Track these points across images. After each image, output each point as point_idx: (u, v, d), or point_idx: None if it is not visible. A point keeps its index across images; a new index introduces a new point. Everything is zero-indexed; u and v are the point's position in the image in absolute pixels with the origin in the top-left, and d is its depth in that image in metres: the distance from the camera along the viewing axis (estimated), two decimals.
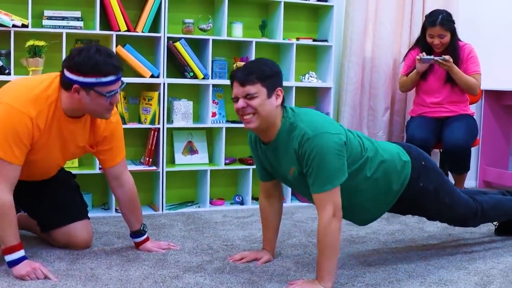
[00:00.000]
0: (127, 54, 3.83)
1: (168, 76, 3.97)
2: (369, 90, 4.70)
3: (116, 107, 2.91)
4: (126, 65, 3.89)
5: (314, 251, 3.06)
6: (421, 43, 4.22)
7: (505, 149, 5.23)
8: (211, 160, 4.24)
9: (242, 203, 4.23)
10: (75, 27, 3.71)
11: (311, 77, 4.36)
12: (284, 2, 4.18)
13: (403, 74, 4.32)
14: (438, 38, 4.08)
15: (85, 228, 3.02)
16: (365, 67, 4.68)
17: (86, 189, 3.70)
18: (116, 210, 3.83)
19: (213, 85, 4.10)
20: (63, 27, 3.69)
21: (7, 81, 3.49)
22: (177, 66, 4.02)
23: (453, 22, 4.12)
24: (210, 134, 4.25)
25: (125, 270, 2.71)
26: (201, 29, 4.05)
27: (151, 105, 3.91)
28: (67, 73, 2.57)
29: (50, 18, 3.69)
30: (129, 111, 3.97)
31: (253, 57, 4.09)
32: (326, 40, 4.38)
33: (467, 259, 3.04)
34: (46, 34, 3.70)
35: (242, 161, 4.25)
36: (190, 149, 4.17)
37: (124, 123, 3.85)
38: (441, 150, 4.20)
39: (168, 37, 3.91)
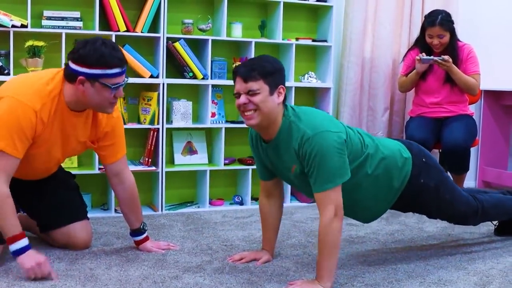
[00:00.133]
0: (127, 55, 3.82)
1: (167, 76, 3.97)
2: (368, 90, 4.71)
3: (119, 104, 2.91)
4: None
5: (314, 251, 3.06)
6: (420, 43, 4.22)
7: (504, 149, 5.23)
8: (211, 160, 4.24)
9: (241, 203, 4.23)
10: (75, 27, 3.71)
11: (310, 77, 4.36)
12: (284, 2, 4.18)
13: (402, 74, 4.32)
14: (438, 38, 4.08)
15: (84, 228, 3.02)
16: (365, 67, 4.68)
17: (85, 190, 3.70)
18: (115, 210, 3.83)
19: (213, 86, 4.10)
20: (63, 27, 3.69)
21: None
22: (176, 67, 4.02)
23: (452, 22, 4.12)
24: (210, 134, 4.25)
25: (124, 271, 2.71)
26: (200, 29, 4.05)
27: (150, 105, 3.91)
28: (72, 65, 2.58)
29: (49, 18, 3.69)
30: (128, 111, 3.97)
31: (252, 57, 4.09)
32: (325, 41, 4.39)
33: (466, 259, 3.04)
34: (46, 35, 3.70)
35: (241, 161, 4.25)
36: (190, 149, 4.17)
37: (124, 123, 3.82)
38: (440, 150, 4.20)
39: (167, 38, 3.91)
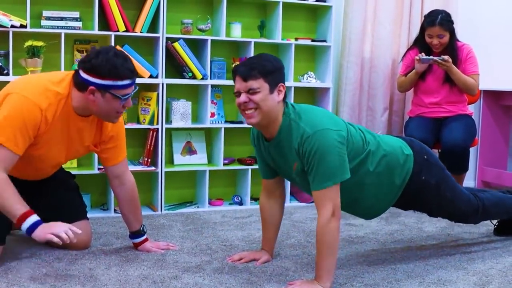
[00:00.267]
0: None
1: (166, 77, 3.97)
2: (367, 90, 4.71)
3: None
4: None
5: (313, 251, 3.06)
6: (420, 43, 4.22)
7: (504, 149, 5.23)
8: (210, 160, 4.24)
9: (241, 203, 4.23)
10: (74, 28, 3.71)
11: (309, 77, 4.36)
12: (283, 3, 4.18)
13: (401, 74, 4.32)
14: (437, 38, 4.08)
15: (84, 228, 3.01)
16: (364, 67, 4.68)
17: (85, 190, 3.70)
18: (115, 210, 3.83)
19: (212, 86, 4.11)
20: (62, 27, 3.69)
21: (6, 82, 3.50)
22: (175, 67, 4.02)
23: (452, 22, 4.12)
24: (209, 135, 4.25)
25: (124, 271, 2.71)
26: (199, 30, 4.05)
27: (149, 105, 3.91)
28: (83, 74, 2.59)
29: (48, 18, 3.68)
30: (127, 112, 3.96)
31: (252, 56, 4.09)
32: (324, 41, 4.39)
33: (466, 259, 3.04)
34: (45, 35, 3.70)
35: (241, 161, 4.25)
36: (189, 150, 4.17)
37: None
38: (439, 150, 4.20)
39: (166, 38, 3.91)
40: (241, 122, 4.21)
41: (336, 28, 4.51)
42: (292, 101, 4.20)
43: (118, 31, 3.76)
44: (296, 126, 2.51)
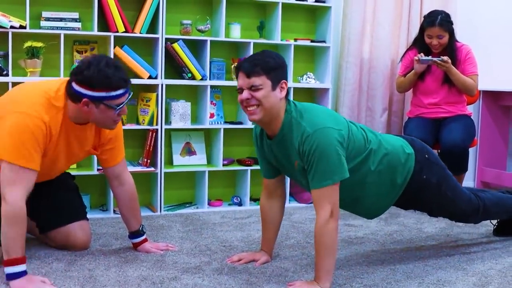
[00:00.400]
0: (125, 55, 3.83)
1: (166, 77, 3.97)
2: (367, 91, 4.71)
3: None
4: (124, 67, 3.88)
5: (312, 252, 3.06)
6: (419, 44, 4.22)
7: (503, 150, 5.23)
8: (209, 161, 4.24)
9: (240, 204, 4.23)
10: (73, 28, 3.71)
11: (309, 78, 4.36)
12: (282, 3, 4.18)
13: (400, 75, 4.32)
14: (437, 39, 4.08)
15: (83, 228, 3.02)
16: (363, 68, 4.68)
17: (84, 190, 3.70)
18: (114, 211, 3.83)
19: (211, 86, 4.11)
20: (61, 28, 3.69)
21: (5, 82, 3.51)
22: (175, 67, 4.02)
23: (452, 23, 4.12)
24: (208, 135, 4.25)
25: (123, 271, 2.71)
26: (199, 30, 4.05)
27: (149, 106, 3.91)
28: (76, 87, 2.58)
29: (48, 19, 3.68)
30: (127, 112, 3.96)
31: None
32: (324, 41, 4.39)
33: (465, 259, 3.04)
34: (44, 35, 3.70)
35: (240, 162, 4.25)
36: (188, 150, 4.17)
37: (122, 124, 3.84)
38: (439, 150, 4.20)
39: (166, 38, 3.91)
40: (240, 123, 4.21)
41: (335, 28, 4.51)
42: None
43: (117, 32, 3.76)
44: (297, 125, 2.52)
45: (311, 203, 4.14)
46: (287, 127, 2.55)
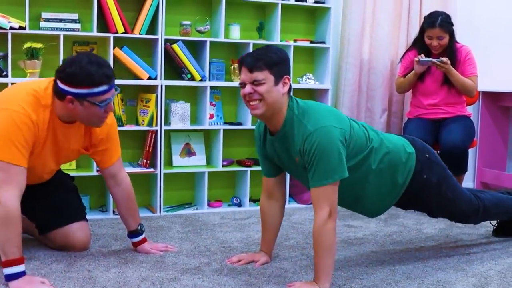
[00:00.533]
0: (125, 56, 3.83)
1: (165, 78, 3.97)
2: (366, 91, 4.71)
3: (114, 112, 2.90)
4: (123, 67, 3.89)
5: (312, 252, 3.05)
6: (419, 44, 4.22)
7: (503, 150, 5.23)
8: (209, 162, 4.24)
9: (239, 205, 4.23)
10: (73, 29, 3.71)
11: (308, 78, 4.36)
12: (281, 4, 4.18)
13: (400, 75, 4.32)
14: (437, 40, 4.08)
15: (82, 229, 3.02)
16: (363, 69, 4.68)
17: (83, 191, 3.70)
18: (113, 212, 3.83)
19: (211, 87, 4.11)
20: (61, 29, 3.69)
21: (4, 83, 3.51)
22: (174, 68, 4.02)
23: (452, 24, 4.11)
24: (208, 136, 4.25)
25: (122, 272, 2.71)
26: (198, 31, 4.05)
27: (148, 107, 3.91)
28: (60, 84, 2.57)
29: (47, 20, 3.68)
30: (126, 113, 3.96)
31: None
32: (323, 42, 4.39)
33: (464, 260, 3.04)
34: (44, 36, 3.70)
35: (239, 163, 4.25)
36: (188, 151, 4.17)
37: (122, 125, 3.85)
38: (438, 151, 4.20)
39: (165, 39, 3.91)
40: (240, 124, 4.21)
41: (334, 29, 4.51)
42: None
43: (117, 32, 3.76)
44: (298, 123, 2.52)
45: (310, 203, 4.13)
46: (288, 124, 2.55)
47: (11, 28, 3.54)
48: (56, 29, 3.68)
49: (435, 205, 2.95)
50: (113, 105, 2.68)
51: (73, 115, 2.65)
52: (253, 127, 4.12)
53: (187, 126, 4.02)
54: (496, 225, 3.51)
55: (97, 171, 3.75)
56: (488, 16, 5.10)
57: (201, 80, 3.99)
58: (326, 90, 4.37)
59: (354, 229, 3.63)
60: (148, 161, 3.92)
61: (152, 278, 2.63)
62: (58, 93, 2.59)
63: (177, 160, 4.13)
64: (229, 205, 4.25)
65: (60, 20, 3.70)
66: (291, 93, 2.65)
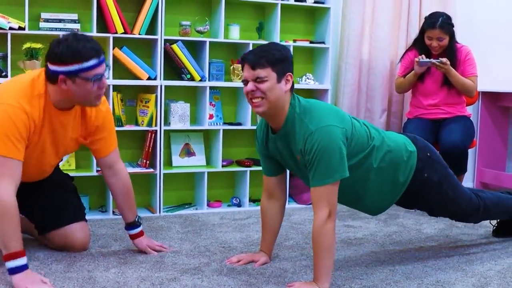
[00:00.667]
0: (124, 57, 3.83)
1: (165, 78, 3.97)
2: (366, 91, 4.71)
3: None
4: (123, 68, 3.89)
5: (312, 253, 3.04)
6: (419, 45, 4.22)
7: (502, 151, 5.23)
8: (208, 162, 4.24)
9: (239, 205, 4.23)
10: (72, 30, 3.70)
11: (308, 79, 4.36)
12: (281, 4, 4.18)
13: (399, 76, 4.32)
14: (437, 41, 4.08)
15: (82, 229, 3.02)
16: (362, 69, 4.69)
17: (83, 192, 3.70)
18: (113, 212, 3.83)
19: (210, 87, 4.11)
20: (60, 29, 3.68)
21: None
22: (174, 68, 4.02)
23: (453, 26, 4.11)
24: (207, 136, 4.25)
25: (122, 273, 2.70)
26: (198, 31, 4.05)
27: (148, 107, 3.91)
28: (50, 66, 2.58)
29: (47, 20, 3.68)
30: (126, 113, 3.96)
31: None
32: (323, 42, 4.39)
33: (464, 260, 3.04)
34: (43, 37, 3.70)
35: (239, 163, 4.25)
36: (187, 151, 4.17)
37: (122, 125, 3.85)
38: (438, 151, 4.20)
39: (165, 39, 3.91)
40: (239, 124, 4.21)
41: (334, 29, 4.51)
42: None
43: (116, 33, 3.76)
44: (300, 121, 2.52)
45: (310, 204, 4.13)
46: (290, 122, 2.55)
47: (10, 28, 3.54)
48: (56, 29, 3.68)
49: (435, 203, 2.95)
50: (106, 82, 2.68)
51: (67, 98, 2.64)
52: (253, 127, 4.12)
53: (187, 126, 4.02)
54: (496, 225, 3.51)
55: (97, 171, 3.75)
56: (487, 16, 5.10)
57: (200, 80, 3.99)
58: (325, 90, 4.37)
59: (354, 229, 3.63)
60: (148, 162, 3.92)
61: (152, 278, 2.63)
62: (50, 77, 2.60)
63: (176, 160, 4.13)
64: (228, 205, 4.25)
65: (60, 21, 3.70)
66: (293, 91, 2.64)
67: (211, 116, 4.15)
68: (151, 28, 3.91)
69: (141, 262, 2.87)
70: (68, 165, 3.78)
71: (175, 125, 3.99)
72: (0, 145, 2.49)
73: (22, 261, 2.47)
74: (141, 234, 3.05)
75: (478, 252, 3.20)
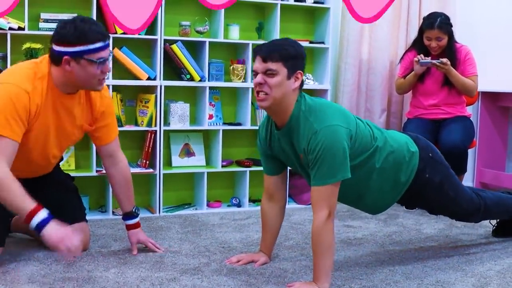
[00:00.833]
0: (124, 57, 3.83)
1: (165, 79, 3.97)
2: (365, 92, 4.71)
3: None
4: (122, 68, 3.89)
5: (311, 253, 3.05)
6: (418, 45, 4.22)
7: (502, 151, 5.23)
8: (208, 162, 4.24)
9: (239, 205, 4.23)
10: None
11: (308, 79, 4.36)
12: (281, 4, 4.18)
13: (399, 76, 4.32)
14: (436, 41, 4.08)
15: (82, 230, 3.02)
16: (362, 69, 4.69)
17: (83, 192, 3.69)
18: (113, 212, 3.83)
19: (210, 88, 4.10)
20: None
21: None
22: (173, 69, 4.02)
23: (451, 26, 4.11)
24: (207, 136, 4.25)
25: (122, 273, 2.70)
26: (197, 32, 4.05)
27: (148, 107, 3.91)
28: (55, 47, 2.60)
29: (46, 20, 3.68)
30: (126, 114, 3.97)
31: (250, 59, 4.09)
32: (322, 42, 4.39)
33: (464, 260, 3.04)
34: (43, 37, 3.69)
35: (239, 163, 4.25)
36: (187, 152, 4.17)
37: (121, 125, 3.85)
38: None
39: (164, 40, 3.91)
40: (239, 124, 4.21)
41: (334, 30, 4.51)
42: None
43: (116, 33, 3.76)
44: (304, 120, 2.51)
45: (310, 204, 4.13)
46: (295, 120, 2.55)
47: (10, 28, 3.54)
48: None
49: (436, 203, 2.95)
50: (109, 67, 2.70)
51: (70, 80, 2.65)
52: (253, 127, 4.12)
53: (186, 126, 4.02)
54: (496, 225, 3.51)
55: (97, 171, 3.75)
56: (487, 16, 5.10)
57: (200, 81, 3.99)
58: (325, 91, 4.37)
59: (354, 229, 3.63)
60: (147, 162, 3.92)
61: (152, 279, 2.63)
62: (55, 58, 2.61)
63: (176, 160, 4.13)
64: (228, 206, 4.25)
65: (59, 21, 3.69)
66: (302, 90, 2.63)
67: (210, 116, 4.15)
68: (151, 28, 3.91)
69: (141, 262, 2.87)
70: (68, 165, 3.78)
71: (174, 125, 3.99)
72: None
73: (42, 214, 2.48)
74: (137, 225, 3.06)
75: (478, 252, 3.20)
